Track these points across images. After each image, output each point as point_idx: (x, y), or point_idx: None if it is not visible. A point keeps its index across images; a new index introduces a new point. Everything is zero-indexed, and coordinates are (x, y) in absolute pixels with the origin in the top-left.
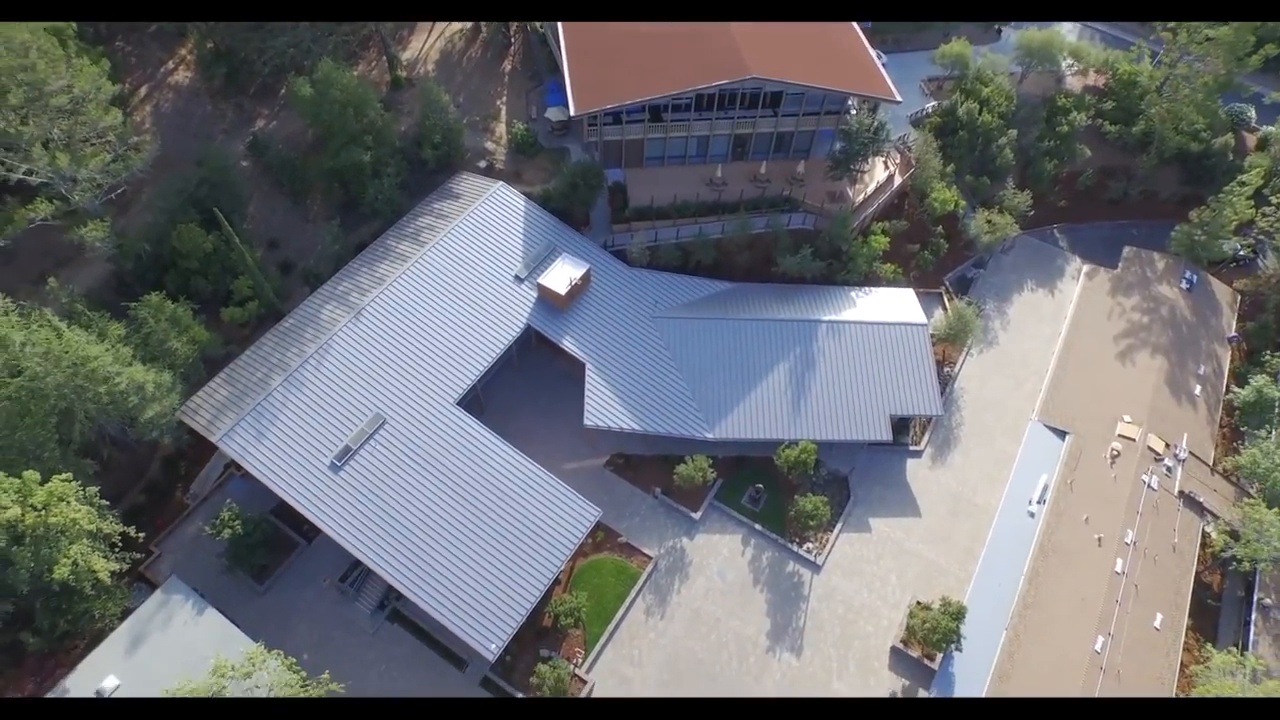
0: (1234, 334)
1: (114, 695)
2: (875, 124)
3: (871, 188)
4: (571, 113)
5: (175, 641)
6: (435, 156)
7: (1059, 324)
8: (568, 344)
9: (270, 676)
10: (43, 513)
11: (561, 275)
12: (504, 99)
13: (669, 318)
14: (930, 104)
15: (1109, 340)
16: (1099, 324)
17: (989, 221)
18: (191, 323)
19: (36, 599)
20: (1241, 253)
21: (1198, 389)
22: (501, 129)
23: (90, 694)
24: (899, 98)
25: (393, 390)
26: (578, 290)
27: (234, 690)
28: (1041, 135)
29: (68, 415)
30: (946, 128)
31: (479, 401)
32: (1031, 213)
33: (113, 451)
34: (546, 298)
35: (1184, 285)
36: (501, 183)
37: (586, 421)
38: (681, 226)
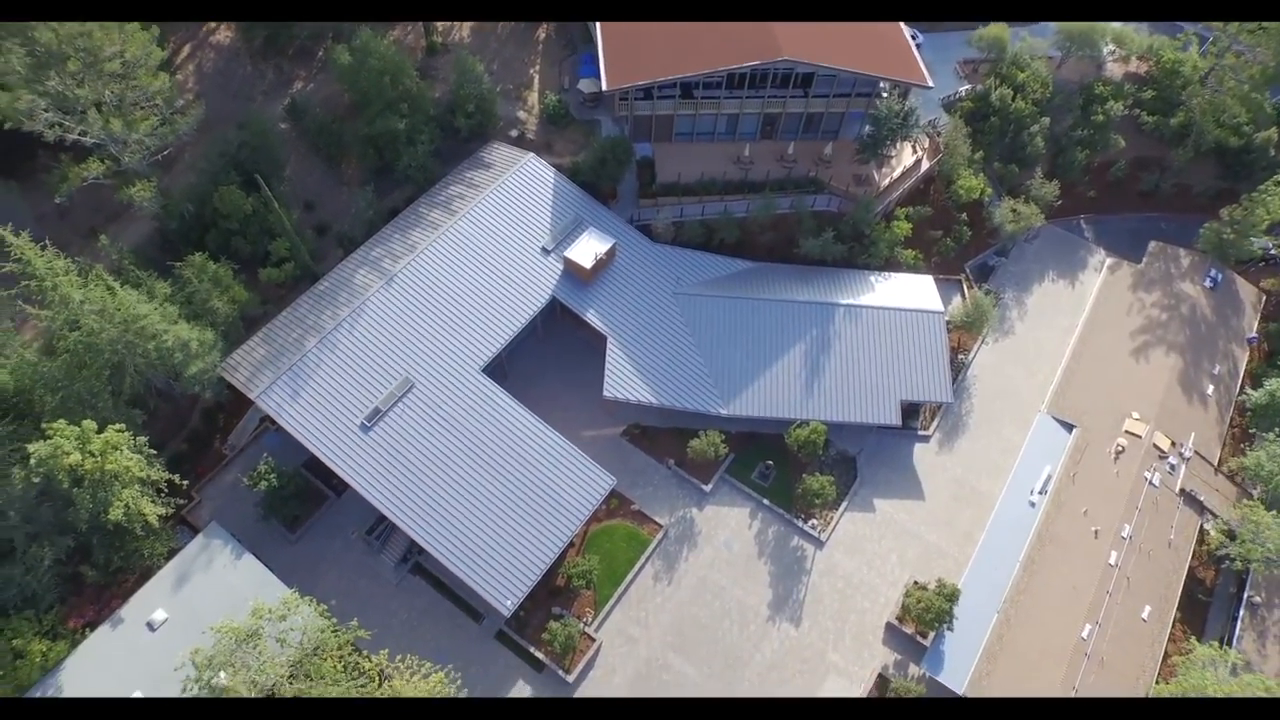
0: (1254, 335)
1: (162, 627)
2: (904, 110)
3: (898, 172)
4: (604, 88)
5: (216, 582)
6: (468, 125)
7: (1077, 316)
8: (591, 317)
9: (304, 621)
10: (99, 459)
11: (587, 249)
12: (537, 67)
13: (690, 294)
14: (964, 87)
15: (1125, 336)
16: (1117, 319)
17: (1014, 211)
18: (232, 282)
19: (94, 536)
20: (1272, 251)
21: (1210, 389)
22: (534, 98)
23: (142, 624)
24: (931, 83)
25: (421, 355)
26: (602, 264)
27: (270, 632)
28: (1076, 124)
29: (119, 369)
30: (978, 113)
31: (502, 368)
32: (1059, 202)
33: (158, 402)
34: (572, 270)
35: (1207, 283)
36: (532, 154)
37: (606, 393)
38: (707, 204)
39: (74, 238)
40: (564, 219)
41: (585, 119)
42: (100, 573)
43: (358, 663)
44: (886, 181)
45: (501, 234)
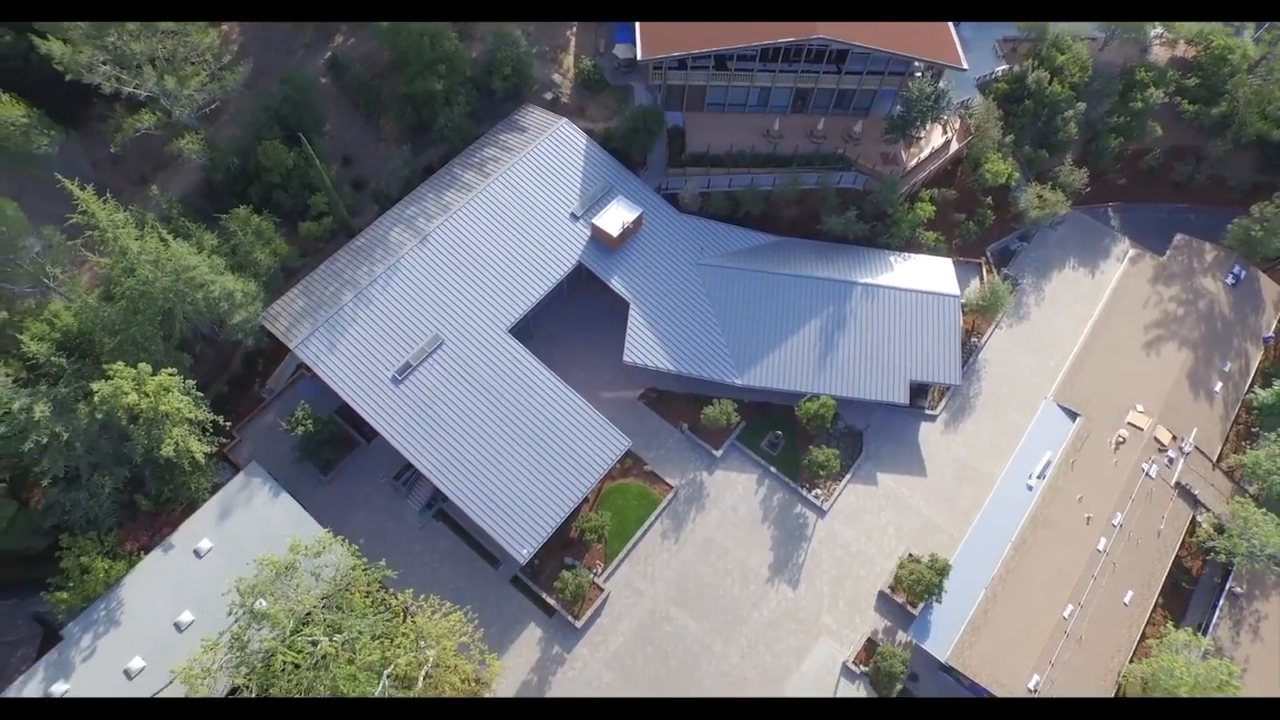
0: (1270, 334)
1: (208, 555)
2: (936, 92)
3: (926, 152)
4: (639, 57)
5: (256, 518)
6: (504, 87)
7: (1093, 306)
8: (615, 283)
9: (336, 558)
10: (154, 399)
11: (615, 217)
12: (573, 30)
13: (713, 265)
14: (1001, 67)
15: (1139, 328)
16: (1133, 311)
17: (1040, 197)
18: (274, 235)
19: (147, 469)
20: None
21: (1219, 386)
22: (569, 61)
23: (190, 552)
24: (965, 65)
25: (451, 314)
26: (629, 233)
27: (306, 566)
28: (1112, 110)
29: (170, 315)
30: (1013, 95)
31: (528, 328)
32: (1087, 189)
33: (204, 347)
34: (599, 237)
35: (1229, 280)
36: (565, 120)
37: (626, 358)
38: (734, 176)
39: (126, 184)
40: (593, 186)
41: (619, 84)
42: (152, 502)
43: (385, 599)
44: (914, 162)
45: (532, 198)
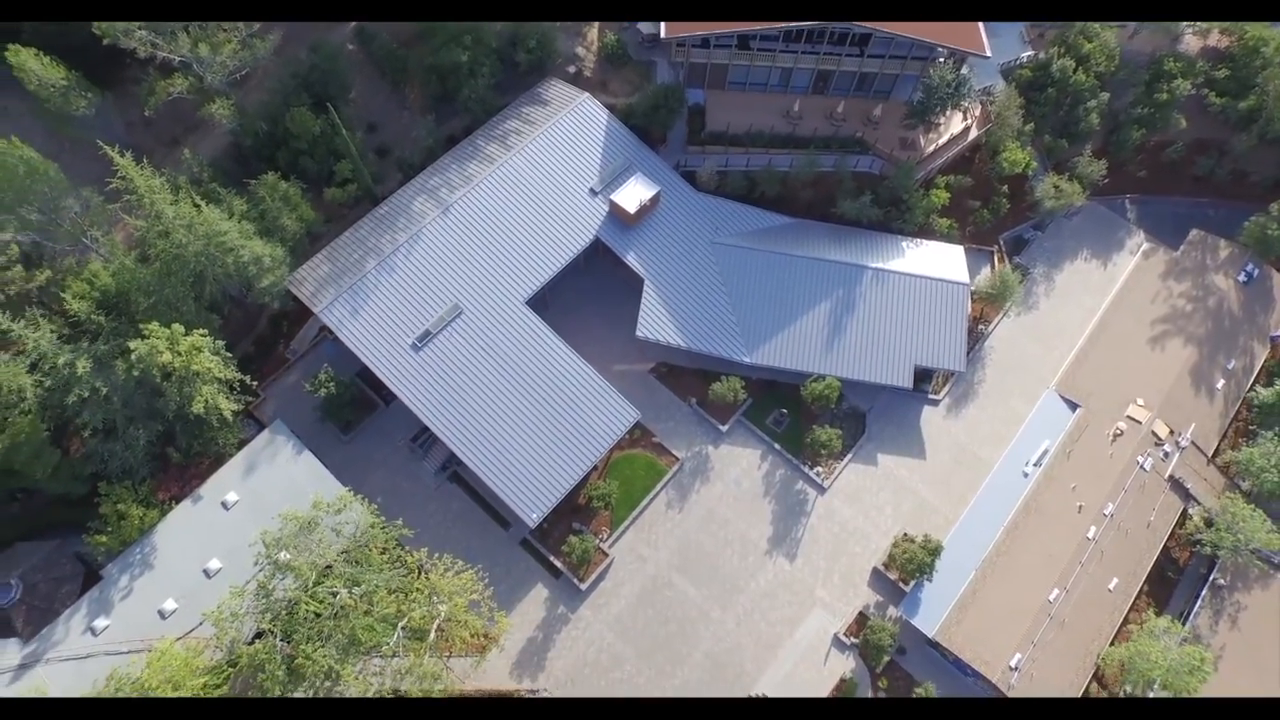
0: (1277, 332)
1: (235, 507)
2: (956, 80)
3: (945, 139)
4: (662, 35)
5: (280, 474)
6: (528, 60)
7: (1102, 298)
8: (631, 259)
9: (356, 516)
10: (186, 359)
11: (633, 194)
12: None
13: (727, 244)
14: (1026, 53)
15: (1146, 323)
16: (1142, 305)
17: (1056, 187)
18: (300, 201)
19: (178, 424)
20: None
21: (1221, 383)
22: (593, 34)
23: (218, 503)
24: (989, 53)
25: (471, 284)
26: (646, 210)
27: (327, 522)
28: (1137, 100)
29: (201, 278)
30: (1036, 83)
31: (544, 299)
32: (1105, 180)
33: (232, 308)
34: (617, 213)
35: (1241, 278)
36: (587, 94)
37: (639, 333)
38: (752, 156)
39: (157, 145)
40: (613, 162)
41: (642, 59)
42: (182, 455)
43: (401, 556)
44: (932, 148)
45: (552, 172)
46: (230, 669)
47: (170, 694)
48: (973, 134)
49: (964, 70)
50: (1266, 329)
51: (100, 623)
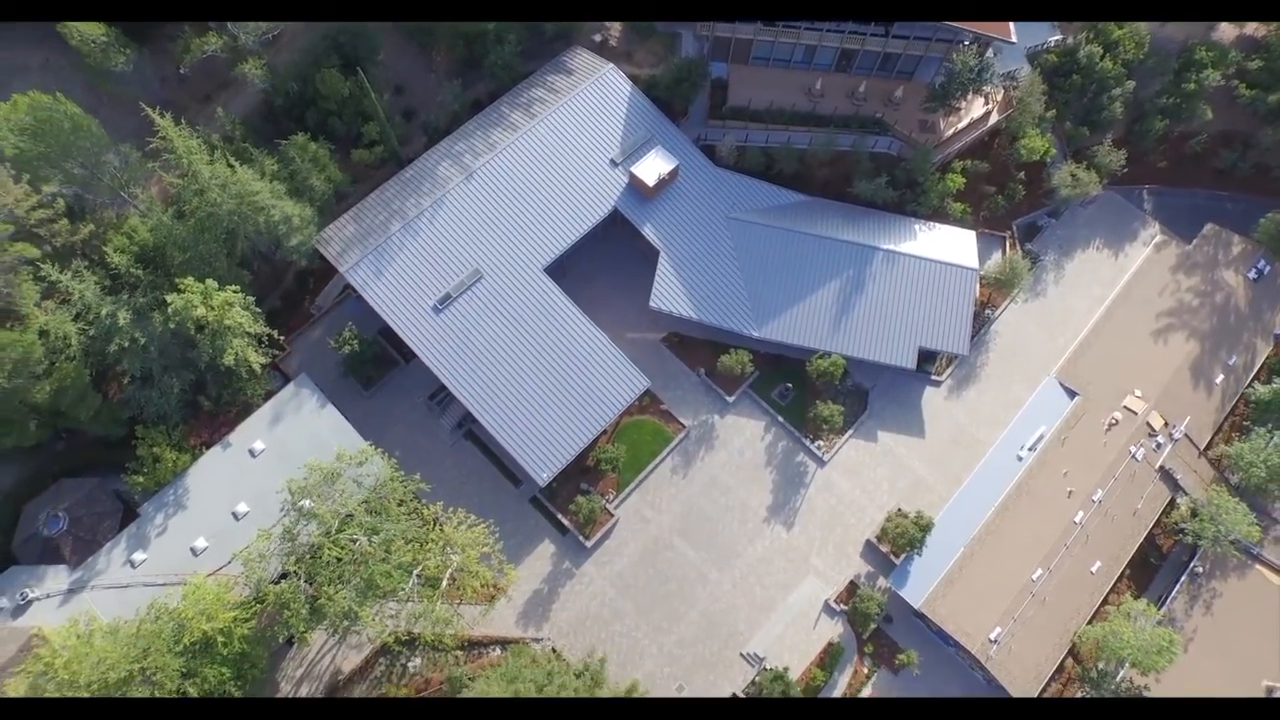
0: None
1: (261, 455)
2: (979, 66)
3: (965, 122)
4: None
5: (304, 426)
6: (555, 27)
7: (1111, 289)
8: (648, 231)
9: (377, 469)
10: (219, 313)
11: (652, 167)
12: None
13: (742, 220)
14: (1054, 38)
15: (1152, 315)
16: (1149, 297)
17: (1073, 176)
18: (329, 162)
19: (209, 374)
20: None
21: (1220, 378)
22: None
23: (245, 451)
24: (1014, 39)
25: (491, 250)
26: (665, 183)
27: (349, 474)
28: (1164, 90)
29: (233, 235)
30: (1061, 69)
31: (562, 265)
32: (1124, 170)
33: (261, 264)
34: (636, 185)
35: (1252, 275)
36: (611, 65)
37: (652, 304)
38: (772, 132)
39: (190, 101)
40: (634, 135)
41: (667, 30)
42: (213, 404)
43: (418, 509)
44: (951, 131)
45: (575, 142)
46: (258, 605)
47: (204, 625)
48: (993, 119)
49: (989, 54)
50: (1272, 326)
51: (138, 556)
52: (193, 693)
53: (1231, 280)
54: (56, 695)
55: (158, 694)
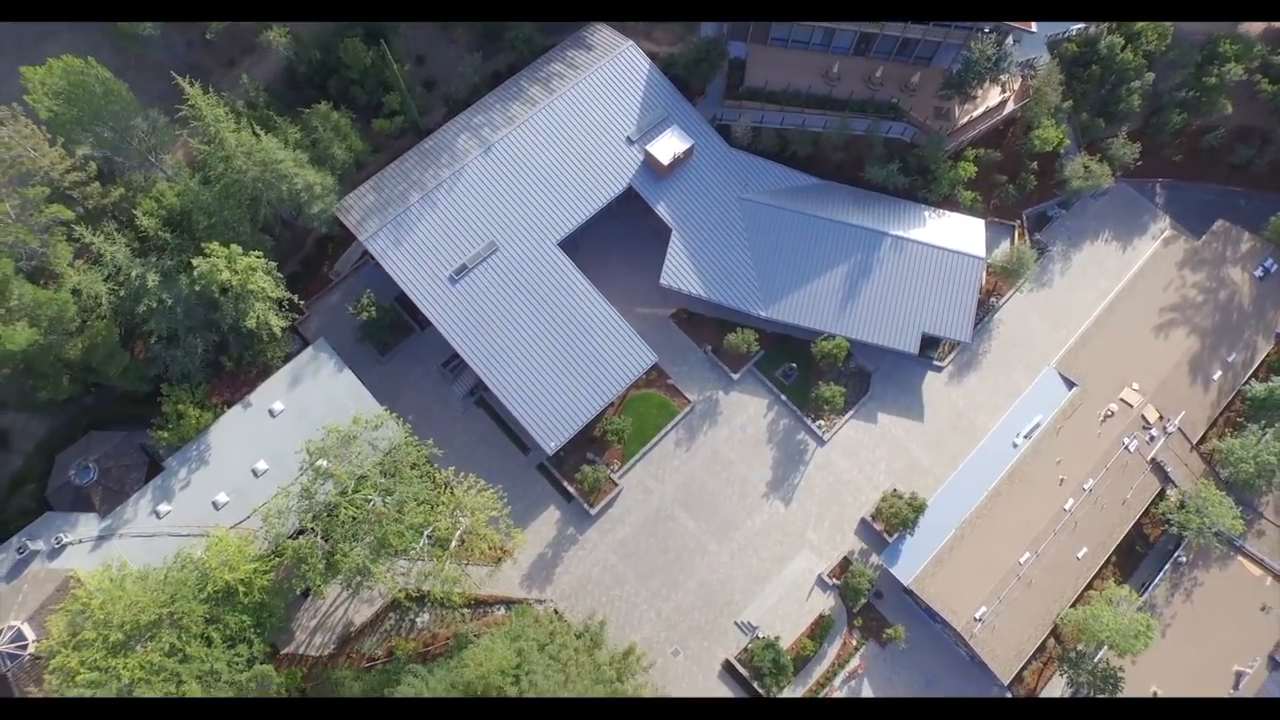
0: None
1: (280, 415)
2: (997, 55)
3: (980, 110)
4: None
5: (322, 389)
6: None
7: (1117, 281)
8: (661, 209)
9: (391, 433)
10: (243, 277)
11: (667, 146)
12: None
13: (754, 201)
14: (1075, 26)
15: (1155, 310)
16: (1154, 292)
17: (1085, 168)
18: (350, 132)
19: (231, 336)
20: None
21: (1218, 375)
22: None
23: (265, 411)
24: (1034, 28)
25: (507, 223)
26: (679, 162)
27: (365, 437)
28: (1184, 83)
29: (257, 201)
30: (1081, 59)
31: (575, 239)
32: (1138, 164)
33: (282, 230)
34: (651, 164)
35: (1258, 273)
36: (631, 43)
37: (663, 281)
38: (787, 114)
39: (215, 65)
40: (651, 113)
41: None
42: (234, 365)
43: (430, 472)
44: (966, 119)
45: (592, 119)
46: (276, 559)
47: (227, 576)
48: (1009, 108)
49: (1008, 43)
50: (1274, 325)
51: (163, 507)
52: (217, 638)
53: (1237, 278)
54: (93, 636)
55: (184, 637)
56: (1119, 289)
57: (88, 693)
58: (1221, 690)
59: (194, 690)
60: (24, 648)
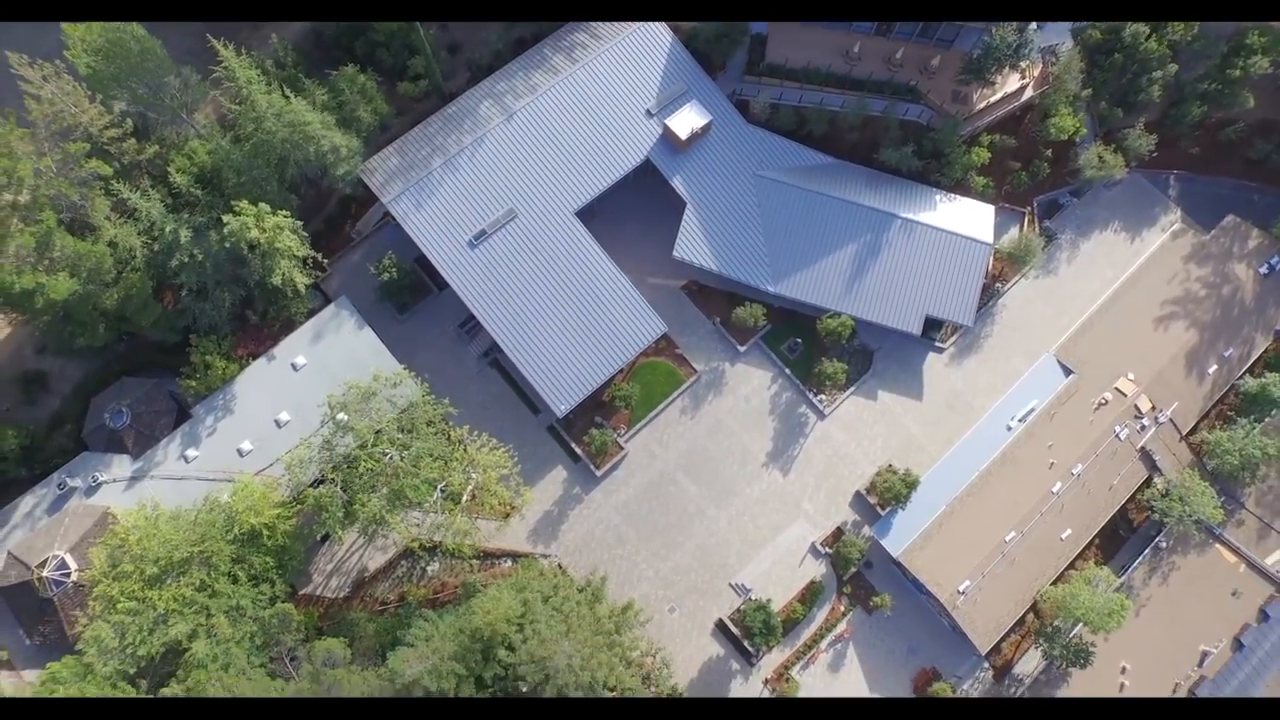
0: None
1: (303, 369)
2: (1018, 42)
3: (998, 96)
4: None
5: (342, 345)
6: None
7: (1122, 272)
8: (677, 183)
9: (409, 391)
10: (270, 234)
11: (686, 121)
12: None
13: (769, 178)
14: None
15: (1157, 302)
16: (1157, 284)
17: (1100, 157)
18: (376, 94)
19: (257, 291)
20: None
21: (1213, 368)
22: None
23: (288, 364)
24: None
25: (526, 191)
26: (697, 137)
27: (384, 394)
28: (1207, 74)
29: (284, 162)
30: (1104, 47)
31: (592, 208)
32: (1154, 155)
33: (307, 188)
34: (669, 137)
35: (1263, 269)
36: None
37: (675, 253)
38: (806, 92)
39: (244, 24)
40: (671, 87)
41: None
42: (259, 319)
43: (444, 430)
44: (983, 104)
45: (613, 90)
46: (298, 505)
47: (252, 519)
48: (1027, 94)
49: (1031, 28)
50: (1274, 322)
51: (191, 453)
52: (242, 577)
53: (1242, 273)
54: (131, 569)
55: (213, 574)
56: (1123, 279)
57: (126, 620)
58: (1186, 667)
59: (221, 623)
60: (67, 575)
